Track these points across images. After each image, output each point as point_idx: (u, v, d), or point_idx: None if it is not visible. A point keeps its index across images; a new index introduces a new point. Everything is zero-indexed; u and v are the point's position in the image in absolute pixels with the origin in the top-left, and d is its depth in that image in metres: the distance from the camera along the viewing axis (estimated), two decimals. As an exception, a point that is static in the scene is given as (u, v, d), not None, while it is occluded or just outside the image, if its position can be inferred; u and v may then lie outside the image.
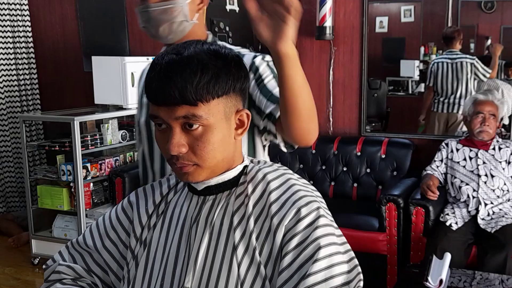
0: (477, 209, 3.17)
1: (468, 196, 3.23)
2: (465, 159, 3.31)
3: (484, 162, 3.25)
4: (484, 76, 3.90)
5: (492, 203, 3.17)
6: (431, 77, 4.07)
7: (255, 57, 1.53)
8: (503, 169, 3.23)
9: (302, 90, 1.22)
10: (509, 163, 3.24)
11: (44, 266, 1.26)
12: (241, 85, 1.05)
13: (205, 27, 1.65)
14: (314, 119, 1.35)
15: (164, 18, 1.52)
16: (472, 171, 3.27)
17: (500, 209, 3.14)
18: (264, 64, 1.52)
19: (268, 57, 1.54)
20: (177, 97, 0.97)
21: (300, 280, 0.98)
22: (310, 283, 0.97)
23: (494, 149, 3.28)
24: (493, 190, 3.20)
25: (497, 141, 3.31)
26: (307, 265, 0.99)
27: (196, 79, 0.97)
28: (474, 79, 3.94)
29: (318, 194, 1.12)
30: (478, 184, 3.21)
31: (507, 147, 3.28)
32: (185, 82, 0.97)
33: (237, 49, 1.55)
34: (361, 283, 1.03)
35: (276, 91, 1.40)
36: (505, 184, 3.21)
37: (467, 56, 3.96)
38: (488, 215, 3.14)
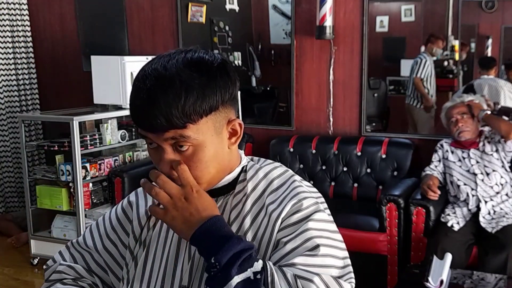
0: (477, 207, 3.17)
1: (467, 195, 3.22)
2: (459, 160, 3.31)
3: (477, 162, 3.25)
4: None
5: (492, 199, 3.16)
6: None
7: None
8: (497, 159, 3.23)
9: None
10: (496, 150, 3.24)
11: (44, 267, 1.25)
12: (230, 95, 1.01)
13: None
14: None
15: None
16: (468, 171, 3.27)
17: (501, 209, 3.14)
18: None
19: None
20: (163, 124, 0.95)
21: (289, 259, 0.97)
22: (298, 261, 0.96)
23: (484, 145, 3.28)
24: (491, 187, 3.20)
25: (486, 136, 3.31)
26: (299, 250, 0.98)
27: (180, 103, 0.94)
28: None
29: (320, 195, 1.11)
30: (476, 182, 3.21)
31: (492, 136, 3.28)
32: (169, 108, 0.94)
33: None
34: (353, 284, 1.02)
35: None
36: (502, 177, 3.21)
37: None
38: (489, 214, 3.13)
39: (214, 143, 1.01)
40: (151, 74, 0.97)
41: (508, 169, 3.23)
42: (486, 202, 3.15)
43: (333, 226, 1.05)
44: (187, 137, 0.97)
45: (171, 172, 1.00)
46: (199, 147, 0.99)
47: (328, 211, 1.07)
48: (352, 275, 1.02)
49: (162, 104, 0.94)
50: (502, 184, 3.20)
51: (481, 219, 3.11)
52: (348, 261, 1.03)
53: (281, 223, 1.02)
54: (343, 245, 1.04)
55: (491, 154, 3.24)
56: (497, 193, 3.19)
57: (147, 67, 1.00)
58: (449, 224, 3.11)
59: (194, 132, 0.97)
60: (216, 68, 0.99)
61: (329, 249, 1.00)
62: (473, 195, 3.20)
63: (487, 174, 3.21)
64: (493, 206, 3.15)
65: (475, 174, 3.23)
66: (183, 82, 0.95)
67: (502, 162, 3.22)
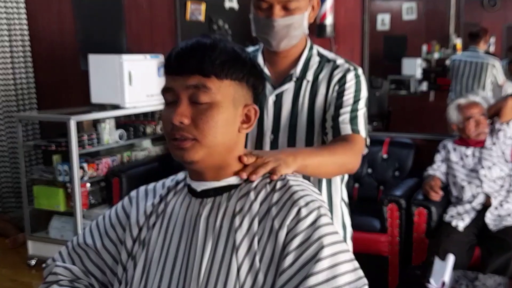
0: (482, 204, 3.14)
1: (472, 195, 3.19)
2: (462, 158, 3.29)
3: (479, 160, 3.23)
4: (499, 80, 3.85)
5: (499, 194, 3.15)
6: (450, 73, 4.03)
7: (348, 70, 1.60)
8: (496, 152, 3.21)
9: (328, 171, 1.49)
10: (494, 143, 3.23)
11: (43, 265, 1.26)
12: (255, 82, 1.10)
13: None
14: (344, 169, 1.57)
15: (286, 32, 1.55)
16: (470, 170, 3.25)
17: (508, 202, 3.12)
18: (352, 81, 1.59)
19: (360, 71, 1.62)
20: (193, 65, 1.02)
21: (302, 280, 0.97)
22: (312, 283, 0.96)
23: (486, 140, 3.26)
24: (494, 181, 3.18)
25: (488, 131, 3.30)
26: (309, 265, 0.97)
27: (214, 54, 1.02)
28: (491, 81, 3.85)
29: (319, 194, 1.11)
30: (480, 179, 3.19)
31: (492, 129, 3.25)
32: (203, 54, 1.02)
33: (331, 56, 1.65)
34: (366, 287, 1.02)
35: (345, 109, 1.56)
36: (501, 170, 3.19)
37: (490, 57, 3.88)
38: (496, 209, 3.11)
39: (229, 110, 1.05)
40: (198, 36, 1.07)
41: (508, 159, 3.22)
42: (495, 197, 3.14)
43: (335, 228, 1.04)
44: (208, 89, 1.02)
45: (180, 120, 1.02)
46: (215, 105, 1.03)
47: (328, 211, 1.07)
48: (365, 280, 1.01)
49: (198, 50, 1.03)
50: (503, 177, 3.19)
51: (487, 214, 3.09)
52: (356, 263, 1.02)
53: (287, 231, 1.01)
54: (347, 246, 1.04)
55: (490, 148, 3.23)
56: (502, 186, 3.18)
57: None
58: (453, 224, 3.08)
59: (216, 87, 1.03)
60: (251, 57, 1.10)
61: (340, 255, 1.00)
62: (478, 193, 3.18)
63: (489, 168, 3.20)
64: (501, 201, 3.13)
65: (477, 171, 3.21)
66: (224, 44, 1.06)
67: (502, 154, 3.21)
